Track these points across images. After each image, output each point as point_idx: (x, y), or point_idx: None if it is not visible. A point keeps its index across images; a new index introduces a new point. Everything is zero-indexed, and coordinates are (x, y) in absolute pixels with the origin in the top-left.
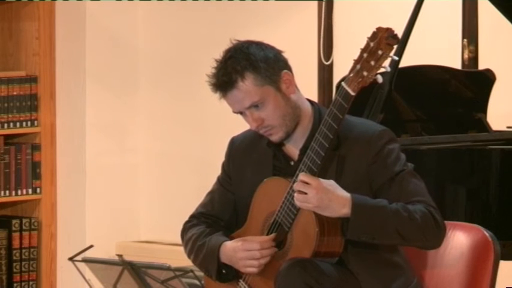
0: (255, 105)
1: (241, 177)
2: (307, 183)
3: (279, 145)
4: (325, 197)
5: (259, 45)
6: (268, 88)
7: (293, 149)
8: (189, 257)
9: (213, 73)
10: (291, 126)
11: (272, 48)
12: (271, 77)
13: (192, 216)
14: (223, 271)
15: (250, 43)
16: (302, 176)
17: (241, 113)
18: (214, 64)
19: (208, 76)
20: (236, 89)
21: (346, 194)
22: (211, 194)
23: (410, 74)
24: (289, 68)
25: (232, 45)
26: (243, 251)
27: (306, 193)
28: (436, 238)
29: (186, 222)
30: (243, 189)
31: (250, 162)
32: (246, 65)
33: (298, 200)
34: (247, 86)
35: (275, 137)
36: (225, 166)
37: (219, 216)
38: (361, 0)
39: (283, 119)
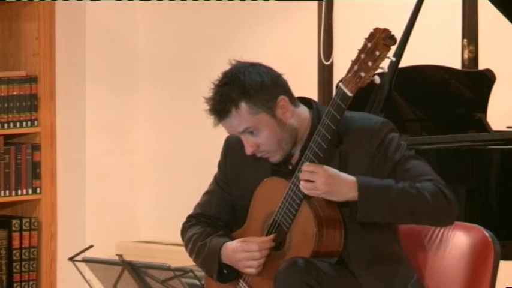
0: (250, 132)
1: (238, 177)
2: (312, 172)
3: None
4: (333, 182)
5: (257, 68)
6: (263, 115)
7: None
8: (190, 256)
9: (209, 98)
10: (288, 148)
11: (271, 71)
12: (266, 104)
13: (191, 217)
14: (225, 271)
15: (247, 67)
16: (307, 166)
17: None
18: (212, 86)
19: (205, 99)
20: (229, 118)
21: (352, 178)
22: (208, 194)
23: (410, 74)
24: (286, 91)
25: (230, 69)
26: (242, 251)
27: (313, 181)
28: (448, 213)
29: (185, 222)
30: (241, 190)
31: (248, 162)
32: (240, 94)
33: (306, 188)
34: (241, 115)
35: (273, 159)
36: (222, 165)
37: (217, 217)
38: (361, 0)
39: (278, 144)
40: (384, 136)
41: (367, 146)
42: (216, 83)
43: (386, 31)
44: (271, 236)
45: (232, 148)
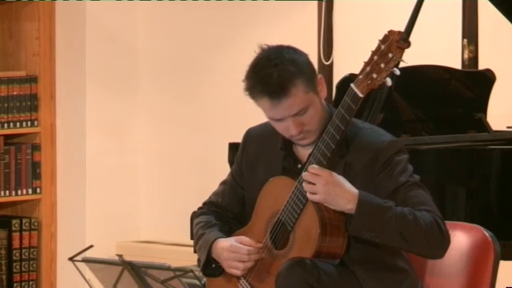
0: (302, 113)
1: (252, 173)
2: (315, 174)
3: (291, 147)
4: (333, 190)
5: (293, 48)
6: (312, 94)
7: (303, 151)
8: (193, 241)
9: (260, 79)
10: (323, 129)
11: (301, 51)
12: (313, 82)
13: (204, 204)
14: (213, 266)
15: (284, 47)
16: (312, 168)
17: (279, 119)
18: (255, 69)
19: (248, 81)
20: (289, 97)
21: (354, 190)
22: (223, 184)
23: (410, 74)
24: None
25: (269, 51)
26: (230, 252)
27: (314, 184)
28: (440, 247)
29: (199, 208)
30: (252, 186)
31: (262, 160)
32: (295, 72)
33: (306, 190)
34: (298, 94)
35: (307, 141)
36: (238, 158)
37: (228, 208)
38: (361, 0)
39: (319, 123)
40: (391, 155)
41: (373, 163)
42: (262, 65)
43: (400, 34)
44: (260, 244)
45: (250, 142)
